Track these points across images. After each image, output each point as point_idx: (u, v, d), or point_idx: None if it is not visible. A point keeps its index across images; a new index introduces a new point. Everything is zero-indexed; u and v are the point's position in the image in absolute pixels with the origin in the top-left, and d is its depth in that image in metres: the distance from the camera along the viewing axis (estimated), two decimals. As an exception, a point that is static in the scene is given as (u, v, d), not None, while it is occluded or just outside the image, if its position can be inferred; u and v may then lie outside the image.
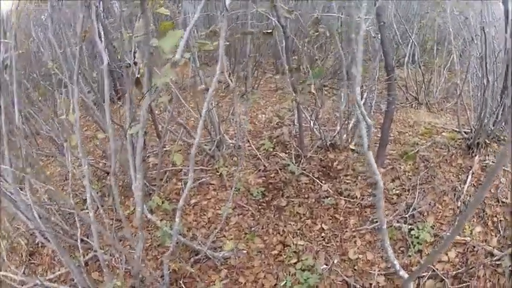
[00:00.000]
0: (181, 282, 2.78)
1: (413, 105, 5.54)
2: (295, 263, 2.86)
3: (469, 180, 3.35)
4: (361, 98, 3.85)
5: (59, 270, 3.03)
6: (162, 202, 3.33)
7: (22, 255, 3.26)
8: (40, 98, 4.61)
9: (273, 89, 6.32)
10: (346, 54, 3.70)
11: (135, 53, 3.07)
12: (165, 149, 3.98)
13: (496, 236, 2.90)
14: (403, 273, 2.45)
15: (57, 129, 3.75)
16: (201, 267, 2.92)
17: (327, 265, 2.86)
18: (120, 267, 2.80)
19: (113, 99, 5.66)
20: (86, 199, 3.16)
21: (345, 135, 3.92)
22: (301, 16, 4.48)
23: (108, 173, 3.73)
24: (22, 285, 2.76)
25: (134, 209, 3.32)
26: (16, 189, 2.38)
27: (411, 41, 5.80)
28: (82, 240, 3.02)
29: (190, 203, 3.48)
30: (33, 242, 3.30)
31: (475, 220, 3.03)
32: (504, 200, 3.12)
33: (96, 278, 2.92)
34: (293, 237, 3.10)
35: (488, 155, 3.60)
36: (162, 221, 3.08)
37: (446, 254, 2.82)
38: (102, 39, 4.98)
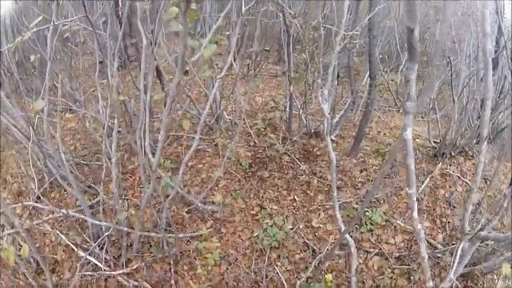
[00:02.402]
0: (173, 226, 3.29)
1: (400, 111, 5.93)
2: (268, 222, 3.41)
3: (426, 182, 3.87)
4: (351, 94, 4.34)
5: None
6: (164, 161, 3.85)
7: (29, 198, 3.58)
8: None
9: (273, 74, 6.59)
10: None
11: (152, 31, 3.47)
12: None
13: (441, 234, 3.44)
14: (344, 227, 2.83)
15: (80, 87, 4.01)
16: (191, 217, 3.47)
17: (293, 228, 3.45)
18: (122, 209, 3.19)
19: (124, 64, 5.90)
20: (95, 152, 3.61)
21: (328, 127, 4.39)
22: (306, 14, 4.83)
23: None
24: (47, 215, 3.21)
25: (138, 164, 3.82)
26: (50, 135, 2.78)
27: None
28: (90, 187, 3.55)
29: (187, 165, 3.94)
30: (42, 186, 3.65)
31: (424, 216, 3.57)
32: (456, 205, 3.67)
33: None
34: (269, 203, 3.67)
35: (451, 165, 4.12)
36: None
37: (394, 238, 3.39)
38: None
